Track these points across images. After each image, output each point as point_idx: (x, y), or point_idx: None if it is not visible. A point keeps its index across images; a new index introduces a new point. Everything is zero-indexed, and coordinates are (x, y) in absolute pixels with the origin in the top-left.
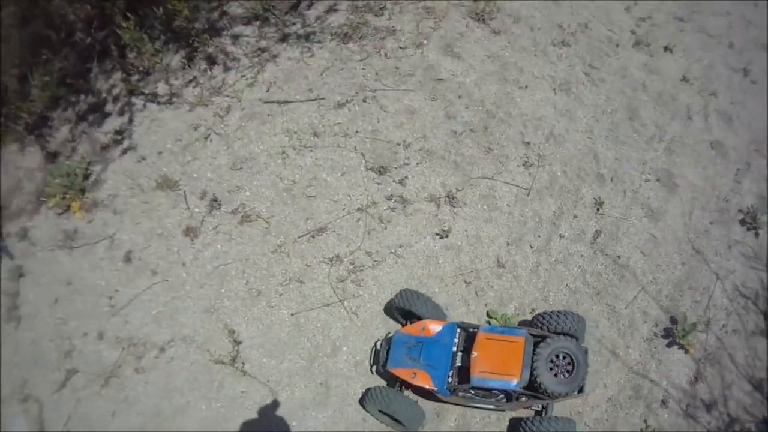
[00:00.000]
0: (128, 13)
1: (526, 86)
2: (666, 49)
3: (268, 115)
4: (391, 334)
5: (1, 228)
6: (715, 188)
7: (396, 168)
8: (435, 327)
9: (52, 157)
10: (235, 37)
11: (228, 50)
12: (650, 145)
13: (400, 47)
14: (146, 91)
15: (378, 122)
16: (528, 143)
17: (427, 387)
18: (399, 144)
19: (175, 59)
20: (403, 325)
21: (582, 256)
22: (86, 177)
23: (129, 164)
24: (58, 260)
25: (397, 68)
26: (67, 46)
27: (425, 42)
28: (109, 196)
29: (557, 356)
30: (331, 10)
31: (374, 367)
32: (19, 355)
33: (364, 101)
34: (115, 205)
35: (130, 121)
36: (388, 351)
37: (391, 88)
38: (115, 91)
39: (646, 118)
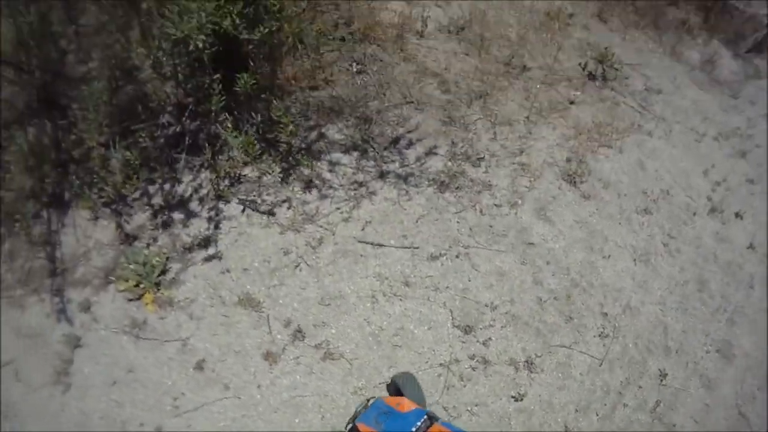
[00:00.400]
0: (226, 114)
1: (609, 256)
2: (737, 215)
3: (361, 255)
4: (373, 400)
5: (63, 292)
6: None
7: (481, 329)
8: (409, 406)
9: (127, 238)
10: (333, 164)
11: (324, 177)
12: (715, 317)
13: (495, 204)
14: (236, 201)
15: (469, 281)
16: (606, 314)
17: None
18: (487, 305)
19: (270, 175)
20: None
21: (641, 424)
22: (163, 272)
23: (211, 273)
24: (121, 345)
25: (491, 226)
26: (155, 127)
27: (520, 202)
28: (187, 299)
29: None
30: (431, 153)
31: (348, 425)
32: (64, 419)
33: (457, 257)
34: (192, 310)
35: (217, 227)
36: (364, 410)
37: (484, 247)
38: (203, 191)
39: (714, 290)
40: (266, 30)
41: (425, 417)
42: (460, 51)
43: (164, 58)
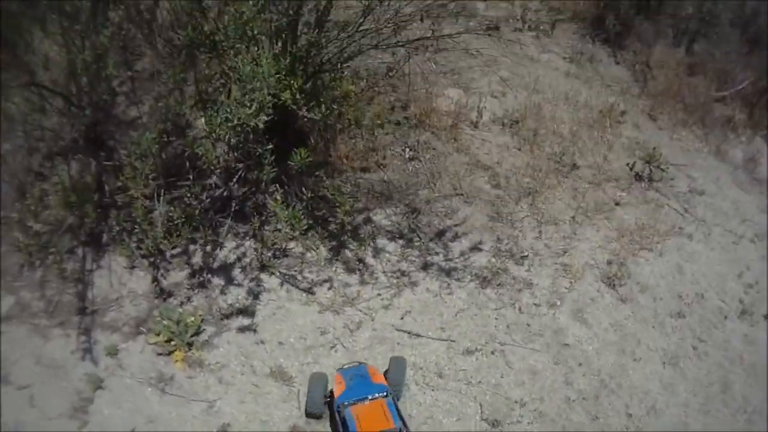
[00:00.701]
0: (276, 185)
1: (640, 359)
2: (766, 317)
3: (398, 343)
4: (361, 364)
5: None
6: None
7: (509, 423)
8: (380, 380)
9: (162, 293)
10: (378, 250)
11: (368, 262)
12: (735, 417)
13: (535, 304)
14: (278, 274)
15: (501, 377)
16: (630, 415)
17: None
18: (516, 402)
19: (314, 252)
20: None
21: None
22: (197, 333)
23: (246, 342)
24: (145, 396)
25: (528, 325)
26: (202, 188)
27: (558, 303)
28: (218, 363)
29: None
30: (476, 248)
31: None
32: None
33: (493, 353)
34: (222, 374)
35: (256, 297)
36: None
37: (520, 345)
38: (246, 260)
39: (736, 391)
40: (327, 111)
41: (384, 393)
42: (513, 145)
43: (218, 122)
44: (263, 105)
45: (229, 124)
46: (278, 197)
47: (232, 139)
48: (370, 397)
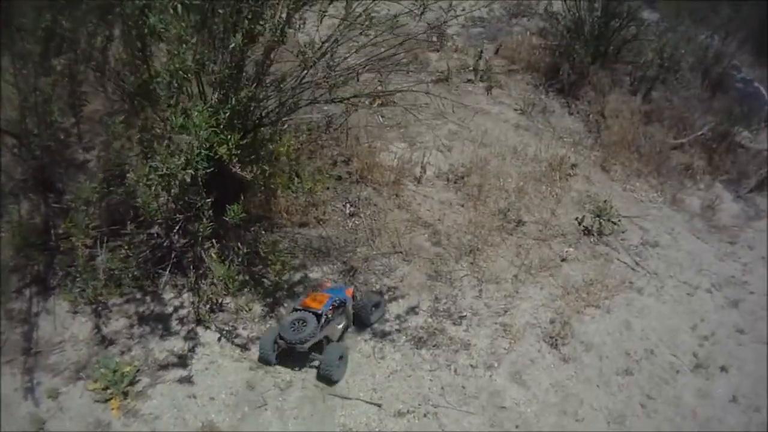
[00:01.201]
0: (213, 240)
1: (583, 419)
2: (722, 369)
3: (328, 404)
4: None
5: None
6: None
7: None
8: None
9: (103, 340)
10: None
11: None
12: None
13: (471, 365)
14: (214, 328)
15: None
16: None
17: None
18: None
19: (249, 307)
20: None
21: None
22: (132, 383)
23: (179, 394)
24: None
25: (463, 387)
26: (144, 237)
27: (496, 364)
28: (151, 415)
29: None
30: (412, 311)
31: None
32: None
33: (425, 416)
34: (155, 426)
35: (191, 350)
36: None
37: (454, 408)
38: (183, 311)
39: None
40: (258, 171)
41: (335, 297)
42: (456, 201)
43: (145, 173)
44: (191, 158)
45: (157, 174)
46: (212, 254)
47: (172, 190)
48: (324, 292)
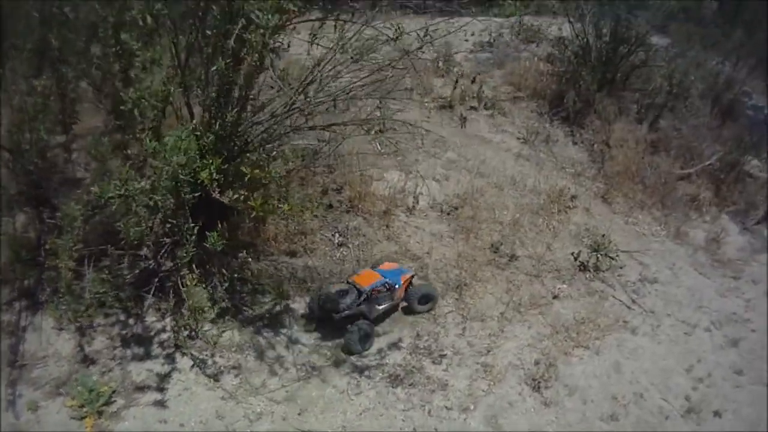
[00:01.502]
0: (194, 266)
1: None
2: (716, 413)
3: None
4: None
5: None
6: None
7: None
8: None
9: (85, 359)
10: (292, 341)
11: (280, 352)
12: None
13: (446, 407)
14: (190, 355)
15: None
16: None
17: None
18: None
19: (228, 335)
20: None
21: None
22: (107, 403)
23: (150, 419)
24: None
25: (436, 430)
26: (131, 257)
27: (472, 407)
28: None
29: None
30: (393, 346)
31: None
32: None
33: None
34: None
35: (167, 376)
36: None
37: None
38: (163, 336)
39: None
40: (234, 197)
41: (385, 278)
42: (448, 233)
43: (107, 195)
44: (158, 185)
45: (118, 194)
46: (188, 281)
47: (159, 214)
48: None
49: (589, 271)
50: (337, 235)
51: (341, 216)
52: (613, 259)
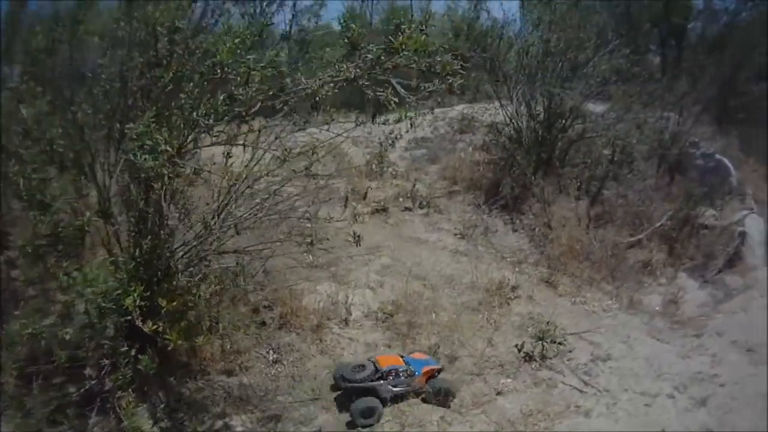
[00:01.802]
0: (132, 388)
1: None
2: None
3: None
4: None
5: None
6: None
7: None
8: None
9: None
10: None
11: None
12: None
13: None
14: None
15: None
16: None
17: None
18: None
19: None
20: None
21: None
22: None
23: None
24: None
25: None
26: (75, 377)
27: None
28: None
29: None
30: None
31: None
32: None
33: None
34: None
35: None
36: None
37: None
38: None
39: None
40: (155, 327)
41: (408, 364)
42: (384, 342)
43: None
44: (65, 313)
45: (26, 332)
46: (125, 403)
47: (94, 338)
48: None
49: (535, 360)
50: (271, 352)
51: (275, 333)
52: (560, 344)
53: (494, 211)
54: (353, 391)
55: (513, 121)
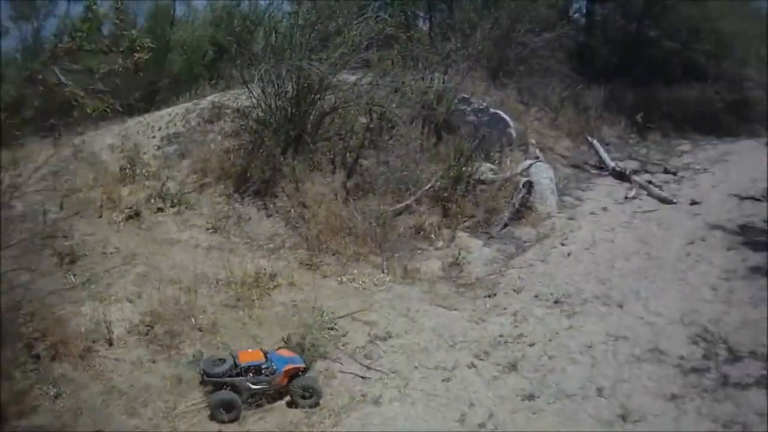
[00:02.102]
0: None
1: None
2: None
3: None
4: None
5: None
6: None
7: None
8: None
9: None
10: None
11: None
12: None
13: None
14: None
15: None
16: None
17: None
18: None
19: None
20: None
21: None
22: None
23: None
24: None
25: None
26: None
27: None
28: None
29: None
30: None
31: None
32: None
33: None
34: None
35: None
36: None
37: None
38: None
39: None
40: None
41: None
42: (148, 357)
43: None
44: None
45: None
46: None
47: None
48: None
49: (307, 351)
50: (51, 386)
51: (50, 365)
52: (331, 329)
53: (246, 199)
54: (213, 385)
55: (260, 102)
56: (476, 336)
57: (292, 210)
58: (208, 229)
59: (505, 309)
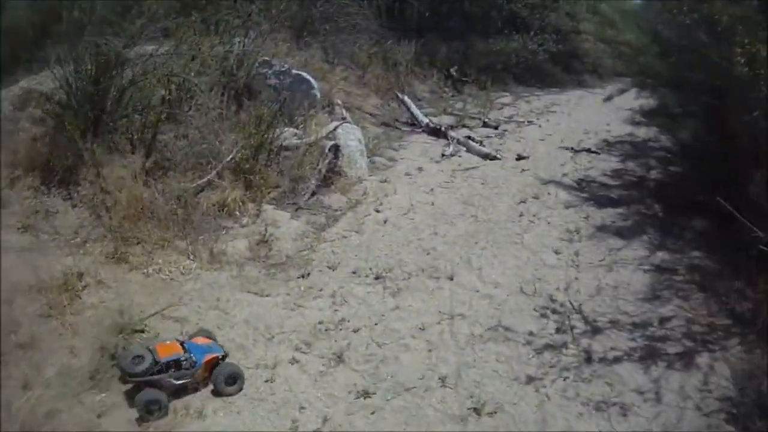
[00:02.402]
0: None
1: None
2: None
3: None
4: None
5: None
6: None
7: None
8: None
9: None
10: None
11: None
12: None
13: None
14: None
15: None
16: None
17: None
18: None
19: None
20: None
21: None
22: None
23: None
24: None
25: None
26: None
27: None
28: None
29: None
30: None
31: None
32: None
33: None
34: None
35: None
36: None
37: None
38: None
39: None
40: None
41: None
42: None
43: None
44: None
45: None
46: None
47: None
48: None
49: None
50: None
51: None
52: (141, 331)
53: (53, 190)
54: (136, 384)
55: (61, 84)
56: (294, 325)
57: (95, 198)
58: (19, 228)
59: (321, 290)
